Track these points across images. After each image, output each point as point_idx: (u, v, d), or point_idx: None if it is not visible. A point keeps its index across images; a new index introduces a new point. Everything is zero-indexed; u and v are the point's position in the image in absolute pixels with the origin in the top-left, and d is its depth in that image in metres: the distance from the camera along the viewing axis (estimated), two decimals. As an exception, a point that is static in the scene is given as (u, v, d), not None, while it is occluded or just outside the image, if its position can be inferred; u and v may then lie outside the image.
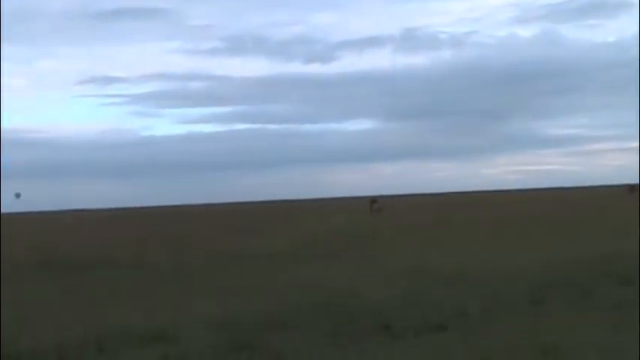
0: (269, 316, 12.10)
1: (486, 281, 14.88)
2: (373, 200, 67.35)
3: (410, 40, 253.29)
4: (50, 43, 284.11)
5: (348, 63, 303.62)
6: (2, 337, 11.00)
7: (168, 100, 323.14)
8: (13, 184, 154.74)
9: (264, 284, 16.64)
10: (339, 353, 9.53)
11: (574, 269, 16.30)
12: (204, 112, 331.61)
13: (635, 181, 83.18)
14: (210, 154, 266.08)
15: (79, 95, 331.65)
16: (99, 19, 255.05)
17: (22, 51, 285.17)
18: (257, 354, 9.64)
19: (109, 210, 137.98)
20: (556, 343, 9.33)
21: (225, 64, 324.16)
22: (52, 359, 9.95)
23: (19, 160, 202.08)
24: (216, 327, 11.35)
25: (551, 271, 16.09)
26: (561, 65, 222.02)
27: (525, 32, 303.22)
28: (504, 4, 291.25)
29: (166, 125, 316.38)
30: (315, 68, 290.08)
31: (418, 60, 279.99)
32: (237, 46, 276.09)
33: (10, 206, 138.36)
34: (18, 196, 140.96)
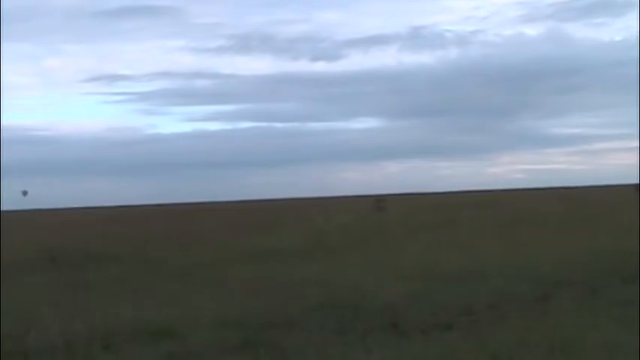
0: (276, 314, 12.08)
1: (494, 279, 14.84)
2: (379, 199, 67.42)
3: (416, 38, 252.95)
4: (56, 41, 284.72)
5: (355, 61, 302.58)
6: (9, 333, 11.01)
7: (174, 98, 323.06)
8: (20, 181, 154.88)
9: (270, 282, 16.62)
10: (345, 351, 9.51)
11: (581, 267, 16.26)
12: (210, 110, 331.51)
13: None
14: (216, 152, 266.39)
15: (84, 93, 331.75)
16: (105, 16, 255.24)
17: (28, 49, 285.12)
18: (263, 351, 9.62)
19: (115, 207, 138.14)
20: (564, 340, 9.31)
21: (231, 62, 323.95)
22: (58, 355, 9.95)
23: (25, 158, 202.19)
24: (223, 324, 11.33)
25: (559, 269, 16.04)
26: (568, 64, 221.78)
27: (532, 31, 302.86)
28: (511, 2, 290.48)
29: (172, 123, 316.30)
30: (321, 66, 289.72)
31: (424, 58, 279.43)
32: (243, 44, 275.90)
33: (17, 203, 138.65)
34: (25, 193, 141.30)
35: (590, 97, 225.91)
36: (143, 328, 11.15)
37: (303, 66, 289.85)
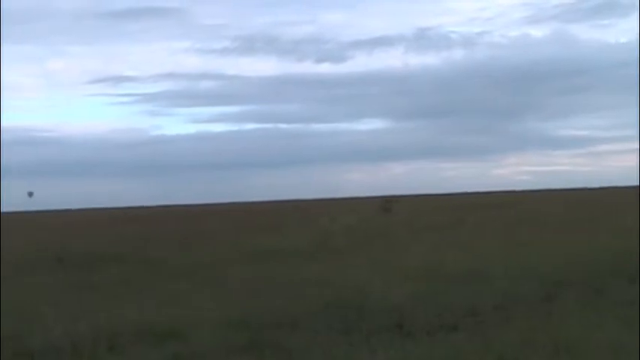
0: (280, 314, 12.08)
1: (499, 280, 14.83)
2: (387, 200, 67.31)
3: (421, 39, 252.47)
4: (60, 42, 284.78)
5: (360, 62, 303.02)
6: (15, 333, 11.02)
7: (179, 100, 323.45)
8: (25, 182, 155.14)
9: (275, 282, 16.63)
10: (350, 351, 9.51)
11: (586, 268, 16.25)
12: (214, 112, 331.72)
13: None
14: (221, 154, 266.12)
15: (89, 94, 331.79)
16: (109, 18, 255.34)
17: (33, 50, 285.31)
18: (268, 352, 9.62)
19: (119, 209, 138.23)
20: (569, 340, 9.30)
21: (236, 63, 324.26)
22: (64, 356, 9.96)
23: (30, 159, 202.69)
24: (228, 324, 11.34)
25: (564, 270, 16.03)
26: (573, 65, 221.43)
27: (537, 32, 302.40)
28: (516, 3, 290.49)
29: (177, 124, 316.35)
30: (326, 68, 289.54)
31: (430, 60, 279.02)
32: (248, 45, 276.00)
33: (22, 205, 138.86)
34: (31, 194, 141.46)
35: (595, 98, 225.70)
36: (148, 329, 11.15)
37: (308, 67, 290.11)
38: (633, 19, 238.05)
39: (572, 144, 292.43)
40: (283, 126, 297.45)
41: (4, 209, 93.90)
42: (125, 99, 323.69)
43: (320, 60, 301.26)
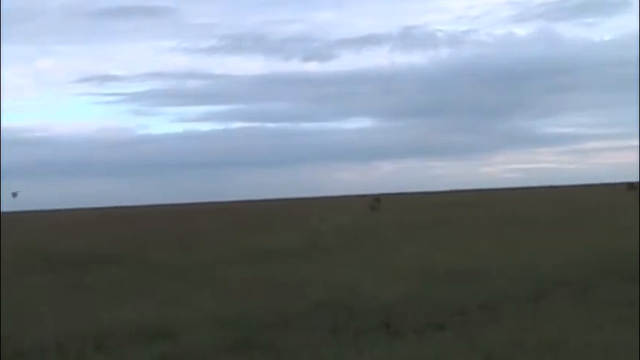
0: (271, 314, 12.09)
1: (488, 279, 14.88)
2: (376, 199, 67.31)
3: (408, 38, 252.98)
4: (48, 42, 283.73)
5: (347, 61, 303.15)
6: (5, 334, 11.00)
7: (166, 99, 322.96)
8: (12, 182, 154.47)
9: (266, 282, 16.64)
10: (339, 351, 9.53)
11: (576, 267, 16.30)
12: (201, 111, 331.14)
13: (632, 179, 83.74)
14: (208, 153, 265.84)
15: (76, 94, 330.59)
16: (97, 17, 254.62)
17: (21, 49, 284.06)
18: (257, 352, 9.63)
19: (107, 208, 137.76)
20: (558, 340, 9.32)
21: (222, 62, 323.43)
22: (49, 356, 9.94)
23: (18, 159, 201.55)
24: (218, 324, 11.34)
25: (554, 269, 16.09)
26: (558, 64, 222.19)
27: (523, 31, 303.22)
28: (502, 2, 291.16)
29: (164, 124, 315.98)
30: (313, 67, 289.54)
31: (416, 58, 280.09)
32: (235, 44, 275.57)
33: (7, 205, 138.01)
34: (15, 195, 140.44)
35: (580, 96, 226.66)
36: (138, 329, 11.13)
37: (296, 66, 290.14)
38: (617, 18, 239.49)
39: (558, 141, 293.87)
40: (271, 125, 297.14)
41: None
42: (113, 98, 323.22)
43: (307, 59, 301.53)
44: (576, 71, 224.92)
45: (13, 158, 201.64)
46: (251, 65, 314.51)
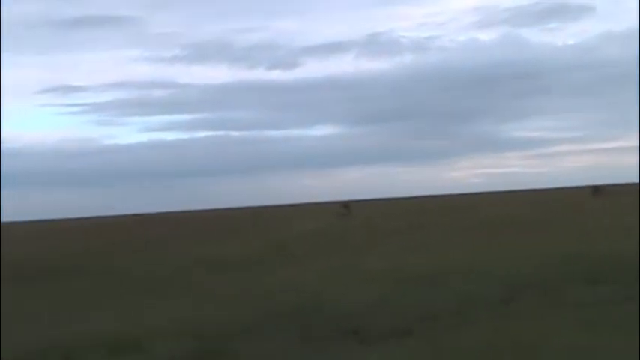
0: (238, 322, 11.97)
1: (458, 283, 14.84)
2: (344, 205, 67.30)
3: (373, 45, 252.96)
4: (10, 52, 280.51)
5: (312, 69, 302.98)
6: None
7: (130, 109, 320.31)
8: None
9: (233, 290, 16.51)
10: (303, 359, 9.42)
11: (544, 269, 16.33)
12: (166, 120, 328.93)
13: (596, 181, 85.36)
14: (174, 162, 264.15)
15: (39, 104, 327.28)
16: (60, 27, 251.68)
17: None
18: (219, 360, 9.52)
19: (73, 219, 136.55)
20: (528, 343, 9.28)
21: (187, 71, 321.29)
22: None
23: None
24: (185, 334, 11.20)
25: (522, 272, 16.10)
26: (523, 68, 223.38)
27: (488, 36, 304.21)
28: (467, 9, 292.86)
29: (129, 133, 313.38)
30: (278, 74, 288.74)
31: (381, 65, 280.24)
32: (199, 53, 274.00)
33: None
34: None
35: (546, 100, 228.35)
36: (103, 341, 10.96)
37: (260, 74, 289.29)
38: (580, 23, 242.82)
39: (524, 146, 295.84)
40: (236, 133, 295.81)
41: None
42: (76, 109, 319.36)
43: (272, 67, 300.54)
44: (541, 76, 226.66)
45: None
46: (215, 74, 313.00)
